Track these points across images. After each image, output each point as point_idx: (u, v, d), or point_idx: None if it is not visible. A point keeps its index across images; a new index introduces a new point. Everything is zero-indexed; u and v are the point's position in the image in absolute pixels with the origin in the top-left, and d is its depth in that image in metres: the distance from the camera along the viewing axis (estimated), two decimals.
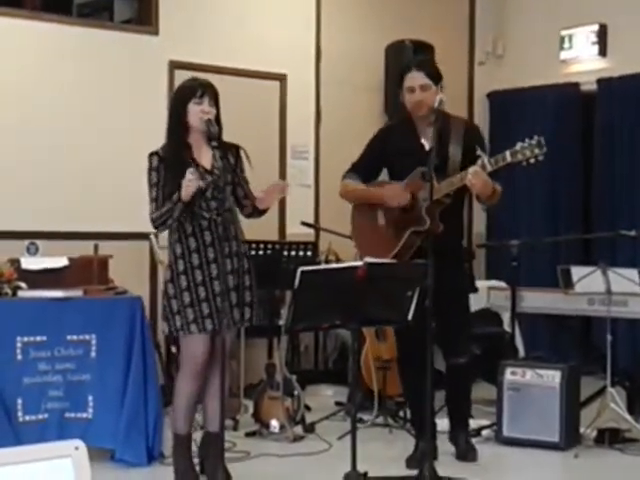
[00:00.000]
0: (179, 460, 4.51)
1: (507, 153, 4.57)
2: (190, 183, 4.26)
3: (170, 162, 4.39)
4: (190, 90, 4.48)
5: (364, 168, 5.06)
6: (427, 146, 4.84)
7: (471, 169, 4.59)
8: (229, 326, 4.44)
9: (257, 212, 4.58)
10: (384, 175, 5.16)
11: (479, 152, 4.66)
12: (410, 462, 4.83)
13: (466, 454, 4.98)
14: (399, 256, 4.55)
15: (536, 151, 4.54)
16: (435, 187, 4.63)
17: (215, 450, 4.53)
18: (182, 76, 6.53)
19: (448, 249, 4.72)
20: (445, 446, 5.08)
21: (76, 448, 1.57)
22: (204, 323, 4.38)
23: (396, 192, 4.85)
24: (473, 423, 5.45)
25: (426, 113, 4.82)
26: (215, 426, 4.53)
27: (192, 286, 4.39)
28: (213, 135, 4.37)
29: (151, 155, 4.43)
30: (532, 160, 4.55)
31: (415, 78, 4.85)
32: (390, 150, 4.97)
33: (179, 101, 4.49)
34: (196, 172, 4.30)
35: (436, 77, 4.88)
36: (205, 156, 4.48)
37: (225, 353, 4.46)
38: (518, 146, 4.56)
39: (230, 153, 4.56)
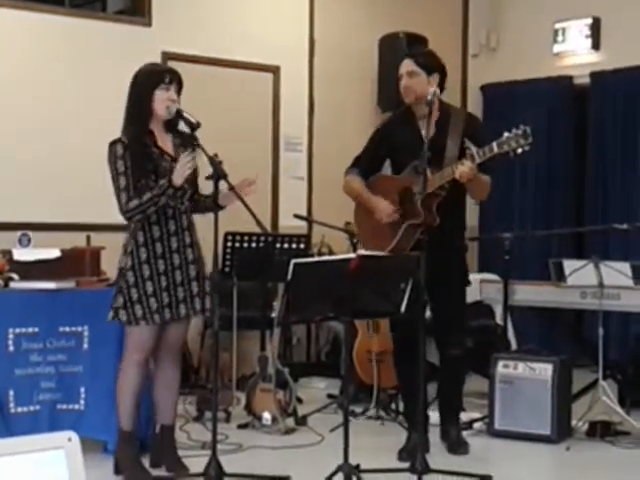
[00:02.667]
0: (126, 457, 4.45)
1: (494, 144, 4.59)
2: (189, 165, 4.21)
3: (136, 149, 4.30)
4: (158, 76, 4.40)
5: (366, 162, 5.08)
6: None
7: (460, 161, 4.64)
8: (187, 316, 4.47)
9: (217, 208, 4.46)
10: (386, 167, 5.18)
11: (467, 144, 4.70)
12: (402, 454, 4.84)
13: (457, 448, 4.99)
14: (397, 249, 4.56)
15: (521, 141, 4.54)
16: (429, 179, 4.64)
17: (171, 443, 4.57)
18: (175, 67, 6.51)
19: (446, 241, 4.78)
20: (437, 438, 5.09)
21: (69, 439, 1.57)
22: (163, 312, 4.37)
23: (385, 210, 4.89)
24: (465, 416, 5.46)
25: (414, 101, 4.86)
26: (169, 419, 4.55)
27: (155, 275, 4.35)
28: (195, 126, 4.31)
29: (114, 143, 4.30)
30: (519, 150, 4.56)
31: (403, 65, 4.90)
32: (391, 143, 4.98)
33: (145, 86, 4.38)
34: (191, 154, 4.25)
35: (428, 67, 4.88)
36: (167, 144, 4.44)
37: (176, 344, 4.52)
38: (504, 137, 4.57)
39: (188, 143, 4.50)
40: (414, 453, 4.42)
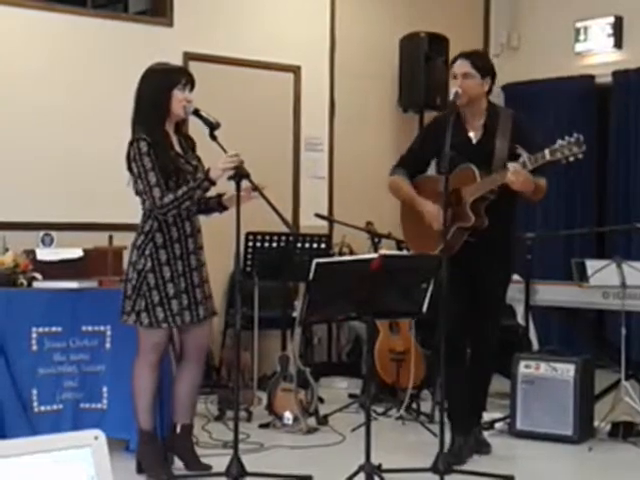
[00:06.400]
0: (148, 456, 4.47)
1: (546, 151, 4.49)
2: (233, 163, 4.21)
3: (160, 150, 4.30)
4: (176, 76, 4.40)
5: (412, 162, 4.99)
6: (474, 140, 4.81)
7: (511, 167, 4.53)
8: (206, 318, 4.49)
9: (222, 209, 4.54)
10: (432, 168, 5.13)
11: (519, 150, 4.59)
12: (447, 458, 4.46)
13: (479, 448, 4.96)
14: (446, 251, 4.51)
15: (575, 149, 4.46)
16: (477, 183, 4.65)
17: (190, 443, 4.59)
18: (197, 68, 6.55)
19: (493, 242, 4.72)
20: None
21: (95, 438, 1.58)
22: (183, 315, 4.37)
23: (433, 215, 4.75)
24: (487, 416, 5.44)
25: (465, 103, 4.74)
26: (188, 418, 4.56)
27: (175, 277, 4.35)
28: (215, 126, 4.33)
29: (138, 140, 4.27)
30: (571, 158, 4.48)
31: (459, 66, 4.77)
32: (437, 144, 4.74)
33: (163, 86, 4.36)
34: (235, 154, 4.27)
35: (482, 69, 4.77)
36: (176, 146, 4.45)
37: (203, 347, 4.54)
38: (557, 144, 4.48)
39: (187, 144, 4.53)
40: (460, 455, 4.43)
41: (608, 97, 8.07)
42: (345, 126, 7.82)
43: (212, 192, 4.53)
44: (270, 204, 4.19)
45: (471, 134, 4.81)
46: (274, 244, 5.73)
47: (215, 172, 4.27)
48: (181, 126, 4.56)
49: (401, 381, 6.06)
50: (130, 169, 4.37)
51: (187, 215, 4.41)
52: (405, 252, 5.74)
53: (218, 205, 4.55)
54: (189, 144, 4.56)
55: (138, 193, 4.40)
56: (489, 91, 4.87)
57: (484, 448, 4.97)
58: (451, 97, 4.65)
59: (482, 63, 4.84)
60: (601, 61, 8.10)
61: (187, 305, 4.39)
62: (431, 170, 5.14)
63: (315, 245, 5.79)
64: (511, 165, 4.55)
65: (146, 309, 4.33)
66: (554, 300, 6.01)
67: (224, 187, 4.46)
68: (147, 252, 4.34)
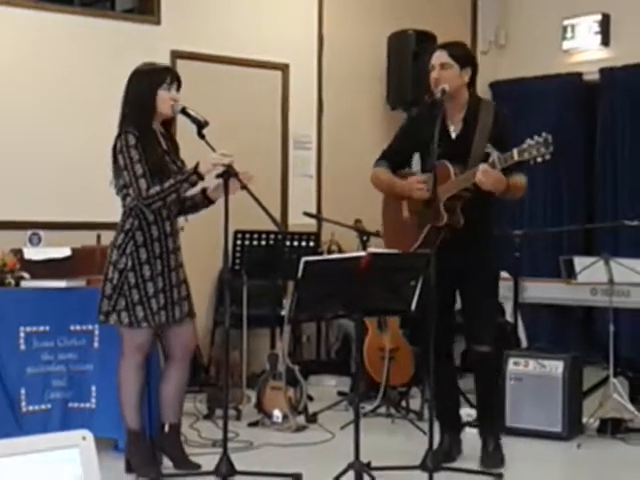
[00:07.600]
0: (137, 455, 4.45)
1: (515, 151, 4.40)
2: (224, 160, 4.20)
3: (146, 146, 4.29)
4: (160, 75, 4.40)
5: (394, 156, 4.87)
6: (454, 134, 4.69)
7: (480, 167, 4.42)
8: (182, 319, 4.47)
9: (208, 203, 4.52)
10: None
11: (489, 149, 4.51)
12: (437, 456, 4.46)
13: (489, 460, 4.71)
14: (422, 248, 4.47)
15: (542, 150, 4.38)
16: (451, 182, 4.52)
17: (178, 442, 4.58)
18: (184, 66, 6.55)
19: (474, 238, 4.60)
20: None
21: (83, 438, 1.57)
22: (159, 314, 4.36)
23: (412, 184, 4.65)
24: (475, 413, 5.44)
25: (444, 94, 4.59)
26: (175, 417, 4.55)
27: (155, 276, 4.34)
28: (202, 124, 4.31)
29: (126, 133, 4.27)
30: (539, 159, 4.40)
31: (436, 57, 4.66)
32: (418, 138, 4.70)
33: (147, 86, 4.37)
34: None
35: (461, 59, 4.65)
36: (162, 143, 4.44)
37: (187, 346, 4.54)
38: (525, 144, 4.39)
39: (170, 143, 4.53)
40: (449, 454, 4.42)
41: (595, 94, 8.10)
42: (333, 124, 7.82)
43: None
44: (258, 202, 4.19)
45: (451, 128, 4.69)
46: (263, 242, 5.72)
47: (205, 166, 4.25)
48: (169, 127, 4.55)
49: (390, 379, 6.05)
50: (115, 161, 4.35)
51: (167, 215, 4.40)
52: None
53: (204, 199, 4.53)
54: (174, 147, 4.56)
55: (120, 189, 4.39)
56: (470, 83, 4.74)
57: (492, 461, 4.69)
58: (438, 95, 4.53)
59: (460, 53, 4.71)
60: (588, 59, 8.12)
61: (164, 305, 4.38)
62: (416, 167, 5.07)
63: (304, 243, 5.79)
64: (481, 165, 4.44)
65: (126, 308, 4.32)
66: (542, 297, 6.03)
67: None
68: (128, 251, 4.33)
